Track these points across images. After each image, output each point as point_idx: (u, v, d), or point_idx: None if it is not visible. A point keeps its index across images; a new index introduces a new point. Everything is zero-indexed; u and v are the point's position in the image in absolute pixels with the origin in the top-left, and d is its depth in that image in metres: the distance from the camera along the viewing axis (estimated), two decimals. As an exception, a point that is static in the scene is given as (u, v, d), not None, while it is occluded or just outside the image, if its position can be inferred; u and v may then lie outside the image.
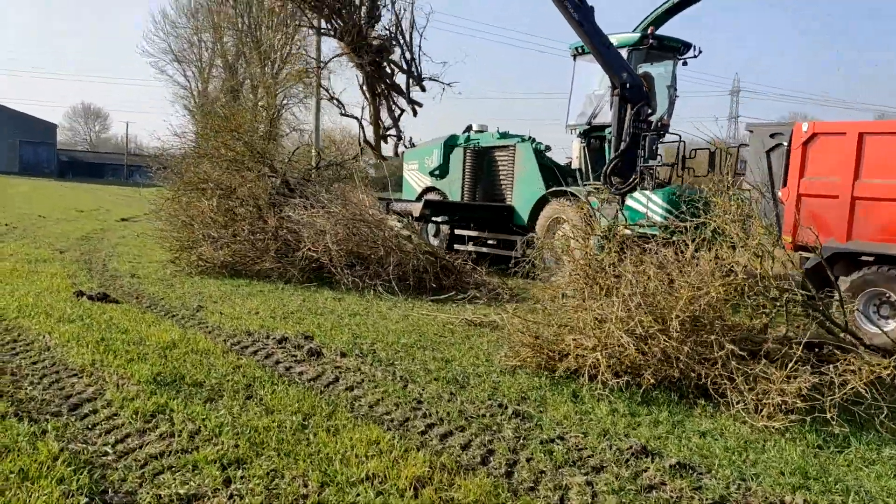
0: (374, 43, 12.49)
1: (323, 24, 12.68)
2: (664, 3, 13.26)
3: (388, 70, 13.36)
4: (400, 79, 13.82)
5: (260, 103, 15.11)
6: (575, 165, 13.61)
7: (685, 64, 12.96)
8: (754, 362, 5.50)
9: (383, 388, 5.38)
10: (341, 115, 14.62)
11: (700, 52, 12.73)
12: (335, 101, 14.26)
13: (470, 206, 14.20)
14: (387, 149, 14.82)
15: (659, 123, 12.21)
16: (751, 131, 10.29)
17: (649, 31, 12.28)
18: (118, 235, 16.56)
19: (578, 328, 6.10)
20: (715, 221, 6.47)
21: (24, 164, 74.66)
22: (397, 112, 13.43)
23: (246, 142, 14.04)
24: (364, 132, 14.14)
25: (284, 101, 47.13)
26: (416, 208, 13.19)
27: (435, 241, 14.76)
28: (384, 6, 12.73)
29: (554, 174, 13.56)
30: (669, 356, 5.58)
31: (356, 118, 14.05)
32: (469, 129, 15.81)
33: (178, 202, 14.71)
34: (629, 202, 11.42)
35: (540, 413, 5.04)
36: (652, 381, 5.57)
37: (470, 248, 13.94)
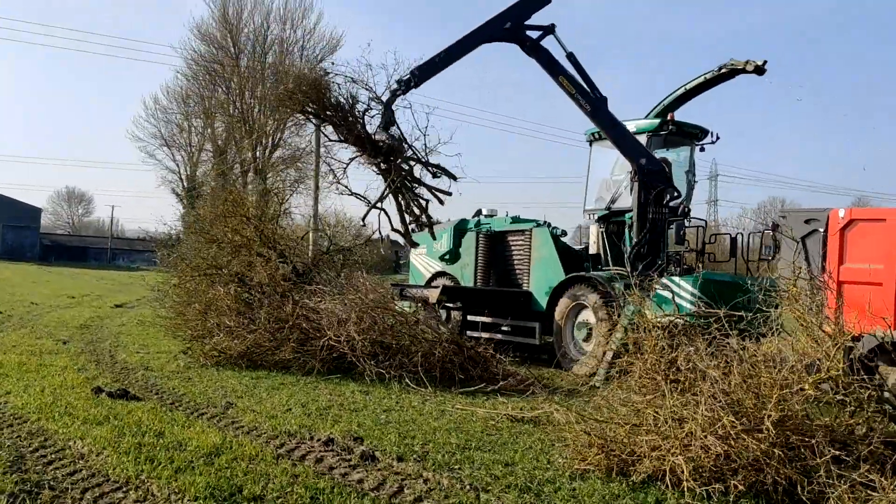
0: (383, 145, 12.47)
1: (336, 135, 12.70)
2: (678, 89, 13.38)
3: (405, 165, 13.25)
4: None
5: (268, 187, 14.95)
6: (592, 251, 13.41)
7: (702, 150, 13.00)
8: (849, 468, 5.14)
9: (454, 498, 4.93)
10: (370, 206, 14.51)
11: (718, 137, 12.78)
12: (358, 196, 14.11)
13: (487, 291, 13.89)
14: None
15: (682, 209, 12.10)
16: (784, 217, 10.17)
17: (669, 117, 12.31)
18: (117, 323, 16.01)
19: (653, 429, 5.71)
20: (792, 312, 6.17)
21: (8, 248, 73.83)
22: (423, 202, 13.33)
23: (256, 226, 13.79)
24: (391, 221, 13.87)
25: (278, 185, 47.36)
26: (433, 294, 12.85)
27: (443, 328, 14.39)
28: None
29: (571, 259, 13.35)
30: (759, 460, 5.20)
31: (383, 209, 13.90)
32: (479, 213, 15.67)
33: (184, 288, 14.35)
34: (657, 289, 11.16)
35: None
36: (741, 487, 5.16)
37: (483, 335, 13.55)
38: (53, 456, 5.34)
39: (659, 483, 5.41)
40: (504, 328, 14.23)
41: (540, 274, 13.42)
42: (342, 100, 12.18)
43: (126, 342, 12.71)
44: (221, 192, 15.12)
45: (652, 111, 13.70)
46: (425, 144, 12.94)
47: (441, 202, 14.01)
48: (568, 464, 5.92)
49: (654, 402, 5.98)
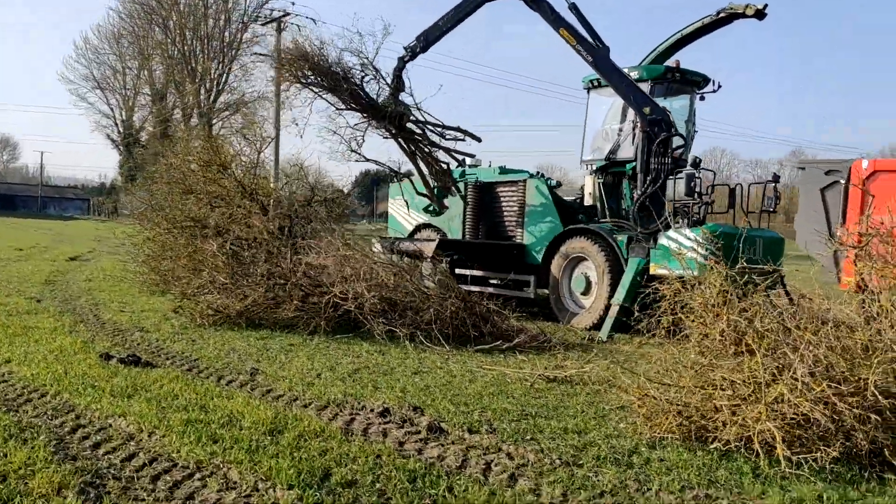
0: (390, 111, 12.35)
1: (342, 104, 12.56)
2: (675, 35, 13.05)
3: (417, 129, 12.92)
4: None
5: (245, 132, 14.11)
6: (588, 202, 13.11)
7: (702, 98, 12.72)
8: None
9: (551, 476, 4.59)
10: (392, 172, 14.37)
11: (720, 86, 12.51)
12: (376, 162, 13.90)
13: (482, 245, 13.50)
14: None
15: (694, 160, 11.86)
16: (802, 168, 10.03)
17: (675, 64, 11.97)
18: (82, 278, 15.09)
19: (733, 393, 5.45)
20: (860, 267, 5.95)
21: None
22: (444, 165, 13.20)
23: (236, 177, 13.06)
24: (414, 186, 13.87)
25: (221, 132, 45.70)
26: (428, 248, 12.41)
27: (430, 283, 13.98)
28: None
29: (567, 211, 13.04)
30: (853, 426, 5.01)
31: (405, 175, 13.93)
32: (463, 162, 15.15)
33: (158, 242, 13.59)
34: (662, 241, 10.95)
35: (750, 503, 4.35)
36: (835, 453, 4.96)
37: (473, 288, 13.20)
38: (98, 437, 4.77)
39: (742, 450, 5.18)
40: (493, 281, 13.92)
41: (535, 226, 13.08)
42: (337, 69, 12.04)
43: (103, 300, 11.92)
44: (193, 139, 14.24)
45: (647, 57, 13.36)
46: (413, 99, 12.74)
47: (462, 164, 13.63)
48: (638, 430, 5.66)
49: (725, 364, 5.72)
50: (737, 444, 5.26)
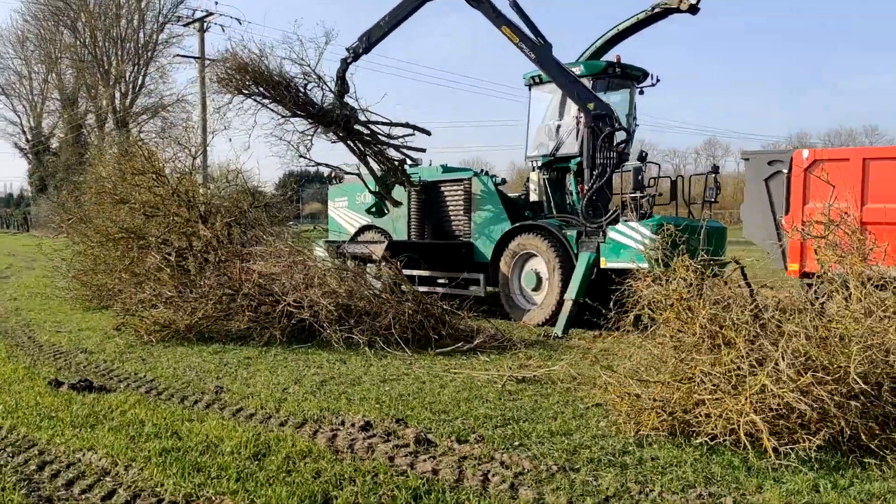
0: (336, 115, 12.34)
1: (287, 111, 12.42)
2: (611, 30, 13.17)
3: (365, 130, 12.81)
4: None
5: (178, 137, 13.63)
6: (534, 198, 13.13)
7: (641, 93, 12.89)
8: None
9: (552, 483, 4.52)
10: (344, 173, 14.20)
11: (658, 80, 12.70)
12: (328, 165, 13.79)
13: (431, 245, 13.35)
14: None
15: (623, 153, 11.98)
16: (746, 159, 10.25)
17: (616, 59, 12.08)
18: (7, 297, 14.28)
19: (714, 387, 5.48)
20: (828, 256, 6.08)
21: None
22: (395, 163, 13.16)
23: (172, 185, 12.58)
24: (367, 185, 13.78)
25: (140, 135, 44.19)
26: (378, 250, 12.18)
27: (378, 284, 13.77)
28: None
29: (513, 208, 13.04)
30: (835, 414, 5.10)
31: (357, 174, 13.69)
32: (403, 162, 14.98)
33: (89, 256, 13.00)
34: (612, 235, 11.04)
35: (750, 498, 4.36)
36: (819, 442, 5.04)
37: (420, 289, 13.06)
38: (70, 474, 4.45)
39: (728, 443, 5.21)
40: (441, 281, 13.80)
41: (482, 224, 13.03)
42: (279, 79, 11.83)
43: (35, 320, 11.29)
44: (122, 146, 13.67)
45: (584, 53, 13.44)
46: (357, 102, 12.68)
47: (414, 161, 13.52)
48: (622, 429, 5.65)
49: (703, 359, 5.75)
50: (722, 437, 5.29)
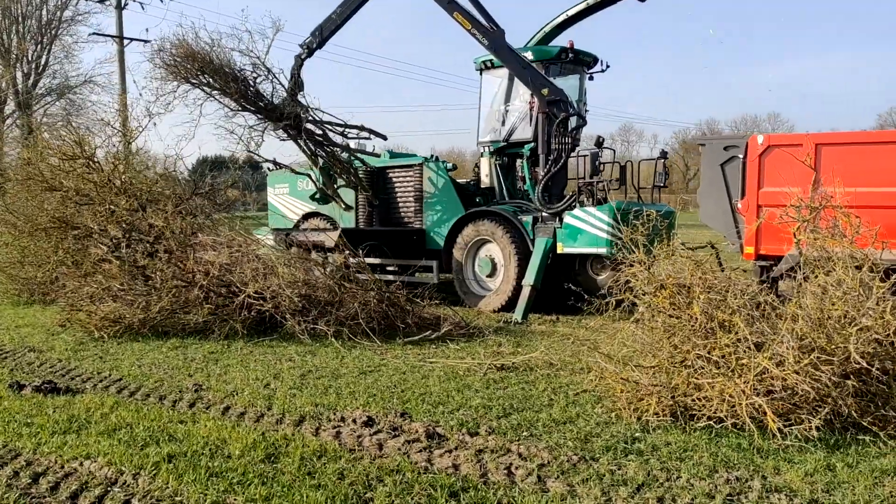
0: (287, 111, 12.04)
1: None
2: (559, 15, 13.19)
3: (317, 130, 12.53)
4: None
5: (116, 124, 12.76)
6: (485, 184, 13.08)
7: (591, 78, 12.98)
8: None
9: (578, 475, 4.46)
10: (294, 172, 13.77)
11: (608, 66, 12.80)
12: (280, 165, 13.46)
13: (383, 232, 13.11)
14: None
15: (575, 138, 12.05)
16: (702, 145, 10.43)
17: (569, 44, 12.09)
18: (-78, 293, 13.28)
19: (713, 370, 5.54)
20: (809, 239, 6.22)
21: None
22: (346, 166, 12.97)
23: (107, 173, 11.92)
24: (316, 185, 13.73)
25: (44, 119, 41.90)
26: (330, 238, 11.88)
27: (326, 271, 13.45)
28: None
29: (465, 194, 12.93)
30: (833, 394, 5.24)
31: (307, 175, 13.63)
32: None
33: (17, 247, 12.24)
34: (569, 220, 11.10)
35: (773, 480, 4.42)
36: (818, 422, 5.16)
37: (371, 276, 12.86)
38: (71, 485, 4.09)
39: (729, 426, 5.28)
40: (390, 269, 13.60)
41: (434, 211, 12.89)
42: (227, 69, 11.48)
43: (-38, 316, 10.54)
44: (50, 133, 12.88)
45: (533, 38, 13.42)
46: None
47: (364, 164, 13.29)
48: (622, 414, 5.65)
49: (701, 343, 5.81)
50: (729, 419, 5.34)
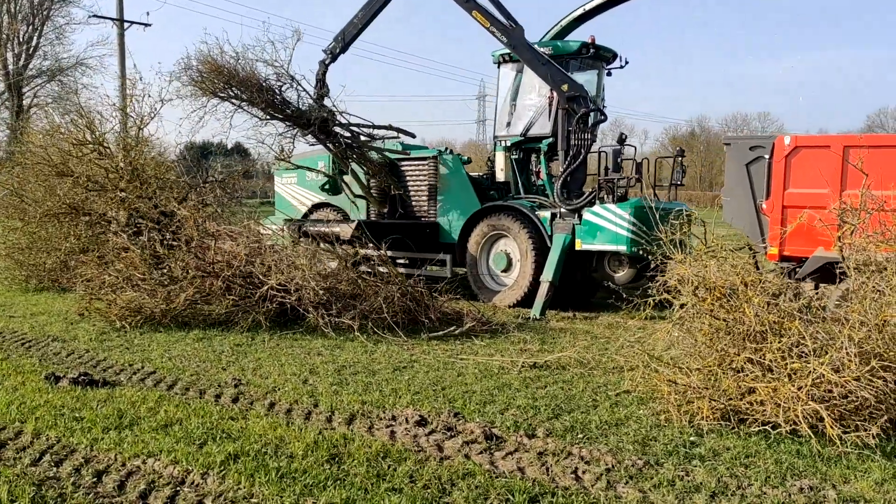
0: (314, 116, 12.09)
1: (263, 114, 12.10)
2: (576, 10, 13.12)
3: (346, 132, 12.64)
4: None
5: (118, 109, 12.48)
6: (500, 178, 12.99)
7: (609, 74, 12.90)
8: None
9: (644, 480, 4.41)
10: (327, 176, 13.94)
11: (627, 62, 12.74)
12: (311, 169, 13.48)
13: (397, 225, 12.98)
14: None
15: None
16: (728, 144, 10.38)
17: (590, 40, 12.01)
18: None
19: (766, 375, 5.50)
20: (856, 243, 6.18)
21: None
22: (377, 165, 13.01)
23: (123, 157, 11.74)
24: (350, 189, 13.58)
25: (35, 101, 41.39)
26: (346, 230, 11.77)
27: (333, 264, 13.32)
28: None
29: (479, 188, 12.83)
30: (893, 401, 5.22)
31: (340, 178, 13.55)
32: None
33: (26, 233, 12.06)
34: (588, 217, 11.05)
35: (844, 489, 4.39)
36: (876, 430, 5.13)
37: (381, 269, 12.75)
38: (139, 484, 3.97)
39: (783, 431, 5.24)
40: (401, 261, 13.49)
41: (449, 204, 12.78)
42: (254, 80, 11.52)
43: (-26, 302, 10.35)
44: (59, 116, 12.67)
45: (549, 31, 13.35)
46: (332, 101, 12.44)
47: (381, 155, 13.29)
48: (672, 417, 5.60)
49: (751, 346, 5.76)
50: (788, 425, 5.27)
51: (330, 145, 12.44)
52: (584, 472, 4.47)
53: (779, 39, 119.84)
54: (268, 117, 11.93)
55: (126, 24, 23.20)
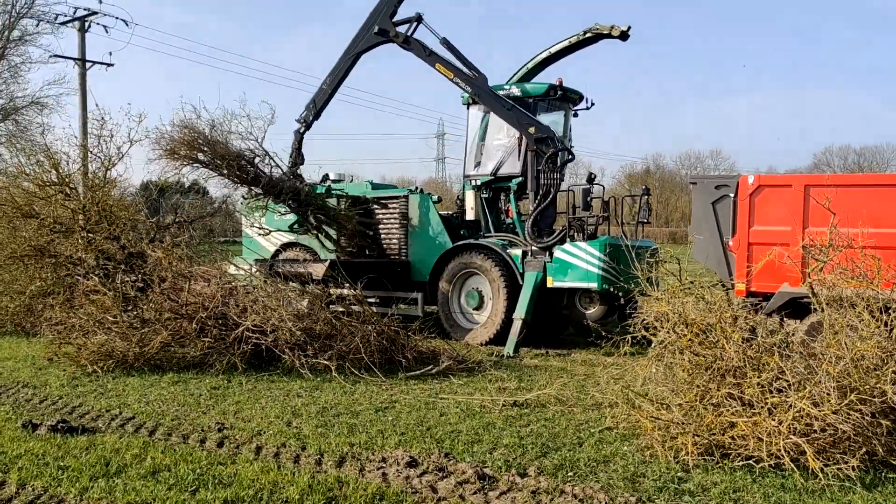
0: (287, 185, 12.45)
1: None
2: (541, 52, 13.44)
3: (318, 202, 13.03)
4: None
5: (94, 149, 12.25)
6: (470, 217, 13.12)
7: (576, 115, 13.20)
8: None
9: (637, 515, 4.47)
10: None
11: (593, 103, 13.05)
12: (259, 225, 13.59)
13: (368, 264, 12.97)
14: None
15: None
16: (694, 183, 10.67)
17: (558, 82, 12.29)
18: None
19: (754, 410, 5.63)
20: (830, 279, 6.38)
21: None
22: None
23: (91, 198, 11.62)
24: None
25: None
26: (318, 269, 11.73)
27: (303, 304, 13.23)
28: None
29: (450, 226, 12.94)
30: (870, 434, 5.38)
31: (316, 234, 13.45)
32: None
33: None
34: (559, 255, 11.21)
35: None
36: (856, 462, 5.27)
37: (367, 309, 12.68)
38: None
39: (765, 465, 5.35)
40: (372, 300, 13.47)
41: (421, 242, 12.85)
42: (226, 153, 11.69)
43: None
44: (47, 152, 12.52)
45: (516, 73, 13.63)
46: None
47: (339, 176, 13.59)
48: (656, 453, 5.68)
49: (731, 381, 5.89)
50: (772, 459, 5.38)
51: (301, 214, 12.76)
52: (580, 513, 4.52)
53: (735, 79, 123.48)
54: (240, 184, 12.16)
55: (88, 64, 23.04)
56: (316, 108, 13.30)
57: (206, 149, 11.45)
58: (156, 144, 11.45)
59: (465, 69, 12.22)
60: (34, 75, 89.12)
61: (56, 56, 23.99)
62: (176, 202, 13.70)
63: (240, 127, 11.79)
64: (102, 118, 12.38)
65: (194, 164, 11.61)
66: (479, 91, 12.08)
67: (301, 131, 13.33)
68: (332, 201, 13.13)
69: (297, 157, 13.11)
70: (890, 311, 5.97)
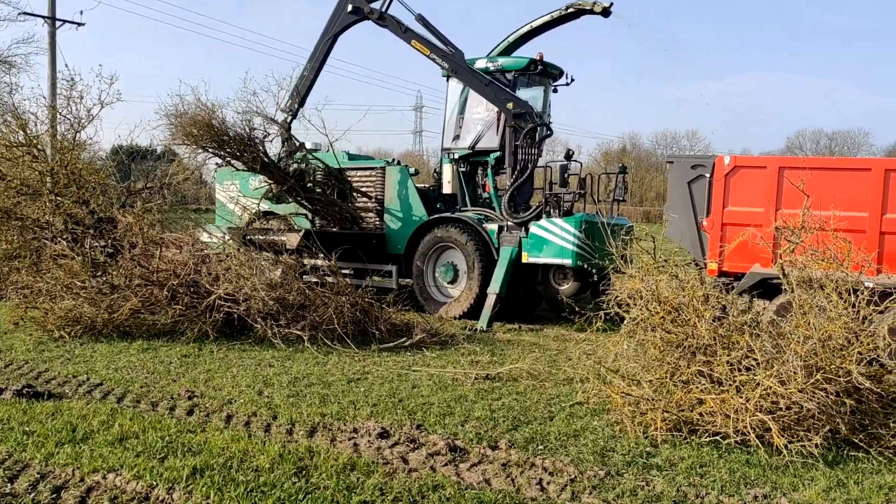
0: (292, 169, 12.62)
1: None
2: (523, 27, 13.34)
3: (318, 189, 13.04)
4: None
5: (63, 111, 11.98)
6: (447, 190, 13.06)
7: (555, 91, 13.14)
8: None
9: (607, 489, 4.51)
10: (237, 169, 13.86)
11: (573, 79, 12.99)
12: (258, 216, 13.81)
13: (348, 235, 12.84)
14: None
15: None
16: (671, 162, 10.70)
17: (538, 56, 12.22)
18: None
19: (721, 388, 5.70)
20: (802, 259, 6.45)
21: None
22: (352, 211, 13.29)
23: (59, 161, 11.38)
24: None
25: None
26: (293, 239, 11.63)
27: (276, 274, 13.11)
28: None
29: (426, 200, 12.88)
30: (833, 412, 5.47)
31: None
32: (302, 146, 14.39)
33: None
34: (535, 230, 11.22)
35: (795, 497, 4.58)
36: (818, 440, 5.37)
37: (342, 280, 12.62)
38: (103, 501, 3.87)
39: (728, 441, 5.42)
40: (346, 272, 13.40)
41: (396, 215, 12.79)
42: (239, 131, 11.84)
43: None
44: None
45: (496, 48, 13.52)
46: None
47: (315, 146, 13.42)
48: (626, 428, 5.74)
49: (702, 359, 5.95)
50: (738, 435, 5.45)
51: (303, 201, 12.77)
52: (548, 483, 4.55)
53: (710, 61, 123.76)
54: (246, 168, 12.23)
55: (58, 23, 22.48)
56: (300, 96, 13.14)
57: (214, 133, 11.49)
58: (168, 120, 11.40)
59: (441, 45, 12.13)
60: (2, 33, 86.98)
61: (25, 14, 23.34)
62: (148, 168, 13.49)
63: (251, 105, 11.90)
64: (73, 79, 12.11)
65: (208, 150, 11.78)
66: (456, 67, 12.00)
67: (289, 120, 13.18)
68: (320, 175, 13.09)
69: (291, 143, 13.10)
70: (858, 292, 6.06)
